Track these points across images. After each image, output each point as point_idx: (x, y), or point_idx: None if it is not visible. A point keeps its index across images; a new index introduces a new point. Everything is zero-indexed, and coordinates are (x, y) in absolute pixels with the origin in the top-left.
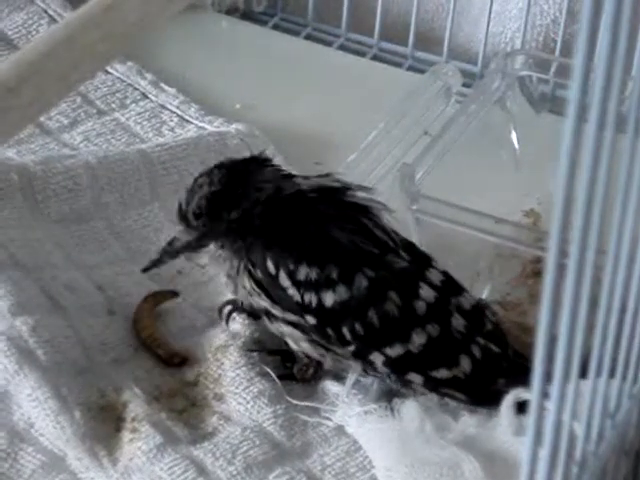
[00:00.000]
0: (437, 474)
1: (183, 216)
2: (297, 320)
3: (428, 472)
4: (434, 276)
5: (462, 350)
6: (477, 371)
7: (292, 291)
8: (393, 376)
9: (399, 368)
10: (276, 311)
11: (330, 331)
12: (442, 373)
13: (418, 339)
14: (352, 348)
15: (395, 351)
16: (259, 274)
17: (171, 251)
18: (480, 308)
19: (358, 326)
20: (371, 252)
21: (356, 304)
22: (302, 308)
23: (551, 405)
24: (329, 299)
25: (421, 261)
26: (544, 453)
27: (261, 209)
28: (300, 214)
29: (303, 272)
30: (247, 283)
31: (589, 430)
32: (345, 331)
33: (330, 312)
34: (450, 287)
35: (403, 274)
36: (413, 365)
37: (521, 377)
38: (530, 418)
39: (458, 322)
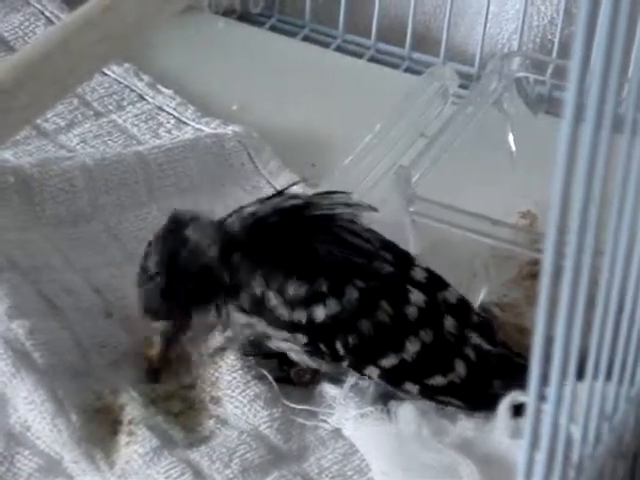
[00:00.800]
0: (434, 478)
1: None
2: (290, 338)
3: (425, 476)
4: (418, 274)
5: (456, 354)
6: (473, 374)
7: (281, 310)
8: (389, 386)
9: (394, 379)
10: (271, 331)
11: (323, 347)
12: (438, 380)
13: (412, 347)
14: (346, 363)
15: (389, 361)
16: (246, 299)
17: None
18: (465, 301)
19: (351, 339)
20: (359, 262)
21: (347, 316)
22: (292, 327)
23: (548, 408)
24: (320, 314)
25: (403, 261)
26: (541, 456)
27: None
28: (268, 238)
29: (292, 289)
30: (241, 319)
31: (586, 433)
32: (338, 346)
33: (321, 327)
34: (435, 283)
35: (391, 280)
36: (408, 375)
37: (517, 379)
38: (527, 421)
39: (449, 323)
